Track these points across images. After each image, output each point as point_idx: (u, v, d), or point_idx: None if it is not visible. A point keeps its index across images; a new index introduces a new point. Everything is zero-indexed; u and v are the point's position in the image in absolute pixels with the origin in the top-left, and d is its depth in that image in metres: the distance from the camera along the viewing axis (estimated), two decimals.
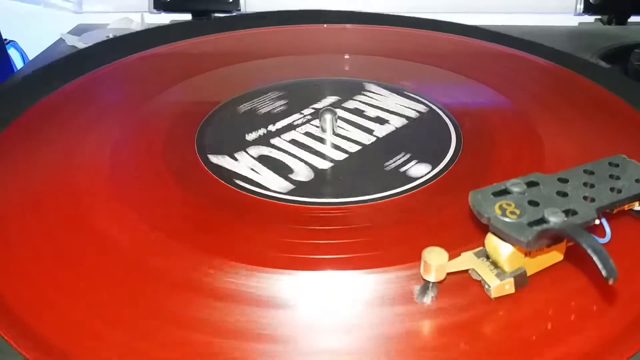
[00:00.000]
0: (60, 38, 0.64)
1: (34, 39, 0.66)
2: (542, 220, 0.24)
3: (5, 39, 0.65)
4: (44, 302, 0.27)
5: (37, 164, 0.38)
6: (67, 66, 0.52)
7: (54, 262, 0.30)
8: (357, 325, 0.26)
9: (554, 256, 0.27)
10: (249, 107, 0.44)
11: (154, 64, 0.54)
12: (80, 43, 0.62)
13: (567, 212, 0.25)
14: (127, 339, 0.25)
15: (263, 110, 0.44)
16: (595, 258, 0.20)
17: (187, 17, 0.70)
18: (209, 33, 0.60)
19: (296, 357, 0.25)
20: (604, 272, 0.20)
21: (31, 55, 0.66)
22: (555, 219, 0.24)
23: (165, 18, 0.71)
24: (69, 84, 0.48)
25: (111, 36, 0.64)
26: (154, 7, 0.69)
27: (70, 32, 0.66)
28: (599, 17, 0.71)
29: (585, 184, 0.27)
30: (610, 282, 0.20)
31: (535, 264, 0.27)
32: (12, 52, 0.66)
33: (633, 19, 0.70)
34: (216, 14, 0.70)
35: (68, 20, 0.69)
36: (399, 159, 0.37)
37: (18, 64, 0.67)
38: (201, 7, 0.70)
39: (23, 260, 0.30)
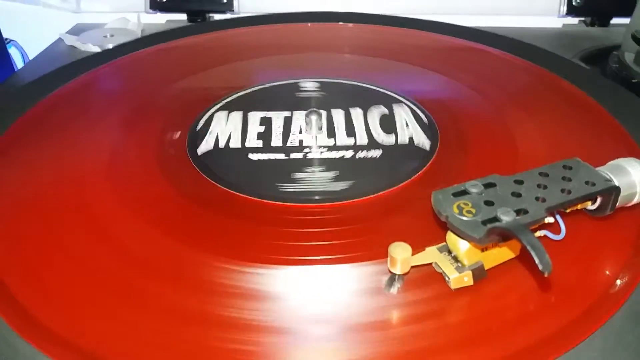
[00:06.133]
0: (60, 38, 0.66)
1: (34, 39, 0.69)
2: (495, 219, 0.27)
3: (6, 39, 0.67)
4: (46, 293, 0.30)
5: (38, 163, 0.40)
6: (66, 69, 0.54)
7: (55, 256, 0.32)
8: (334, 315, 0.29)
9: (510, 253, 0.30)
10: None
11: (149, 63, 0.57)
12: (79, 43, 0.64)
13: (519, 212, 0.27)
14: (119, 330, 0.28)
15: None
16: (532, 253, 0.23)
17: (183, 17, 0.72)
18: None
19: (285, 346, 0.27)
20: (540, 266, 0.22)
21: (31, 54, 0.68)
22: (506, 217, 0.26)
23: (161, 18, 0.73)
24: (67, 85, 0.50)
25: (109, 36, 0.66)
26: (150, 8, 0.71)
27: (68, 32, 0.68)
28: (582, 18, 0.73)
29: (539, 186, 0.29)
30: (546, 274, 0.23)
31: (492, 259, 0.29)
32: (13, 52, 0.68)
33: (615, 20, 0.72)
34: (211, 14, 0.72)
35: (67, 20, 0.71)
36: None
37: (18, 63, 0.69)
38: (196, 7, 0.72)
39: (25, 254, 0.33)
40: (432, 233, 0.31)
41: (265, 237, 0.33)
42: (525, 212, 0.27)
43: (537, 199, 0.28)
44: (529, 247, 0.23)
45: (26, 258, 0.32)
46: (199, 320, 0.28)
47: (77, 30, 0.68)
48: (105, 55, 0.58)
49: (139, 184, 0.38)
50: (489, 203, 0.28)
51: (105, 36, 0.66)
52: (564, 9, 0.71)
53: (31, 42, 0.69)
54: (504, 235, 0.26)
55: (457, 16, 0.68)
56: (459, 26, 0.63)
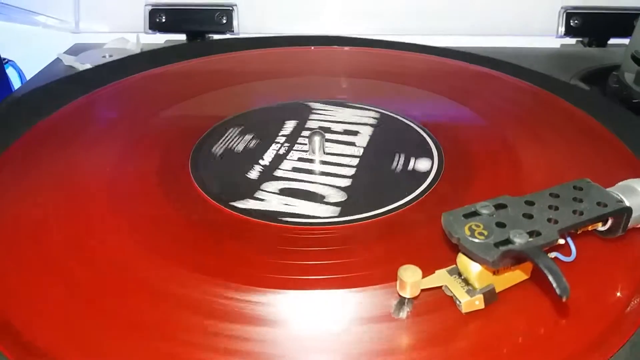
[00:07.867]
0: (57, 58, 0.66)
1: (31, 59, 0.68)
2: (508, 241, 0.26)
3: (4, 59, 0.67)
4: (40, 316, 0.29)
5: (36, 183, 0.40)
6: (65, 88, 0.54)
7: (51, 278, 0.31)
8: (341, 343, 0.28)
9: (521, 275, 0.29)
10: (223, 148, 0.44)
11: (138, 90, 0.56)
12: (77, 63, 0.64)
13: (532, 233, 0.27)
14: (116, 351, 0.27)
15: (239, 148, 0.43)
16: (550, 277, 0.22)
17: (182, 37, 0.72)
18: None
19: None
20: (557, 291, 0.22)
21: (29, 74, 0.68)
22: (519, 239, 0.26)
23: (160, 39, 0.73)
24: (66, 106, 0.50)
25: (107, 56, 0.66)
26: (149, 28, 0.71)
27: (67, 52, 0.68)
28: (580, 39, 0.73)
29: (550, 207, 0.29)
30: (564, 299, 0.22)
31: (503, 282, 0.29)
32: (10, 72, 0.68)
33: (612, 41, 0.73)
34: (209, 35, 0.72)
35: (65, 40, 0.71)
36: (398, 160, 0.40)
37: (16, 83, 0.69)
38: (195, 28, 0.72)
39: (22, 277, 0.32)
40: (441, 255, 0.31)
41: (266, 259, 0.33)
42: (538, 234, 0.27)
43: (549, 220, 0.28)
44: (546, 272, 0.22)
45: (24, 280, 0.31)
46: (201, 346, 0.27)
47: (75, 50, 0.68)
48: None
49: (140, 205, 0.38)
50: (500, 225, 0.27)
51: (104, 56, 0.66)
52: (562, 29, 0.72)
53: (29, 62, 0.69)
54: (517, 258, 0.26)
55: (455, 37, 0.68)
56: (457, 50, 0.63)
